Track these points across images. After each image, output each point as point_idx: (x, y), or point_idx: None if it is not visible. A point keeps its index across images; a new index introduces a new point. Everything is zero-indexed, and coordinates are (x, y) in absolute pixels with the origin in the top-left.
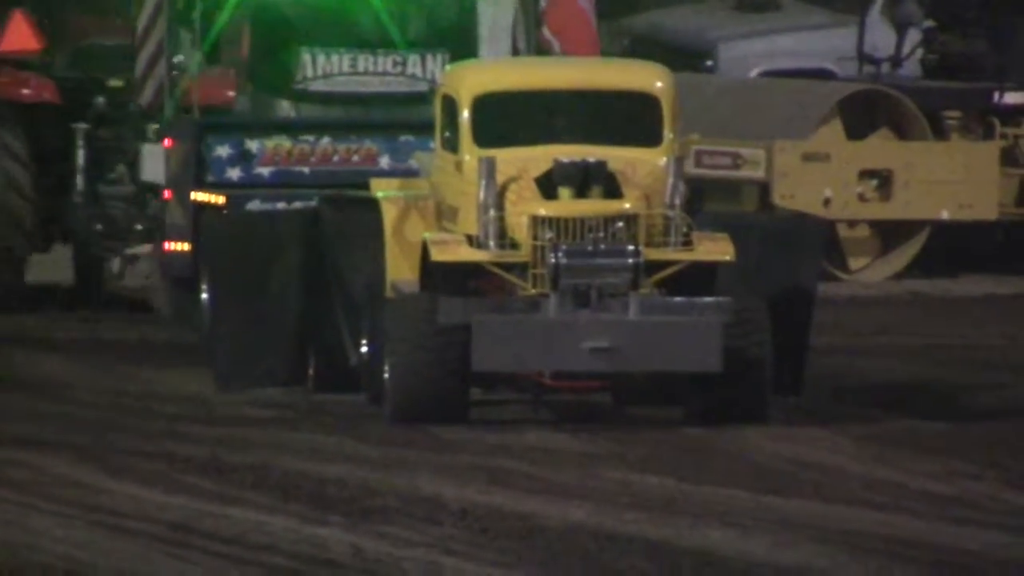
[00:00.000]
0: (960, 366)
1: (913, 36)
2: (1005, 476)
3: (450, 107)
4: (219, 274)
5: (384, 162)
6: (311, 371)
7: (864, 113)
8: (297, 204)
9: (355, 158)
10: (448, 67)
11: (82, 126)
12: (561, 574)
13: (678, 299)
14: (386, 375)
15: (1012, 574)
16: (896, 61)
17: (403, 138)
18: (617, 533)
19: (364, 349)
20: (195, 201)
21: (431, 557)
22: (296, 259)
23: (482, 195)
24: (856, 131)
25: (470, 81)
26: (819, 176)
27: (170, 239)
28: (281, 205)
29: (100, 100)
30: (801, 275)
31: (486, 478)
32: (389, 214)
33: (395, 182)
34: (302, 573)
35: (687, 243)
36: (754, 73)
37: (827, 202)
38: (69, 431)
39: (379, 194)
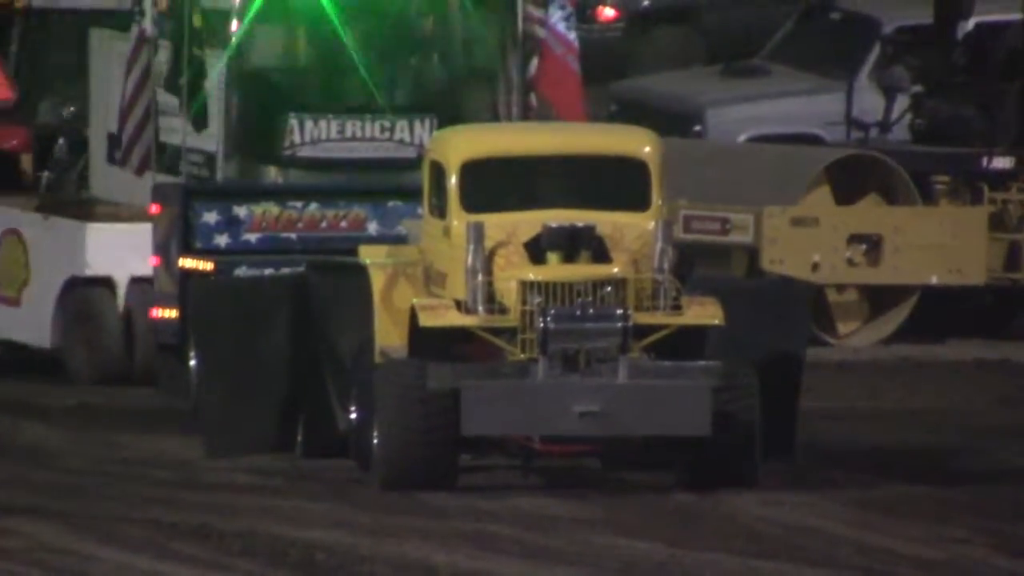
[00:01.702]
0: (949, 431)
1: (901, 101)
2: (995, 541)
3: (437, 172)
4: (206, 341)
5: (372, 228)
6: (300, 437)
7: (853, 178)
8: (285, 270)
9: (343, 224)
10: (435, 133)
11: (46, 174)
12: None
13: (667, 363)
14: (375, 441)
15: None
16: (884, 126)
17: (391, 204)
18: None
19: (353, 416)
20: (183, 268)
21: None
22: (283, 325)
23: (470, 260)
24: (845, 196)
25: (457, 146)
26: (808, 241)
27: (158, 306)
28: (269, 271)
29: (60, 143)
30: (789, 339)
31: (475, 543)
32: (377, 281)
33: (383, 249)
34: None
35: (676, 307)
36: (742, 138)
37: (815, 267)
38: (57, 498)
39: (367, 261)
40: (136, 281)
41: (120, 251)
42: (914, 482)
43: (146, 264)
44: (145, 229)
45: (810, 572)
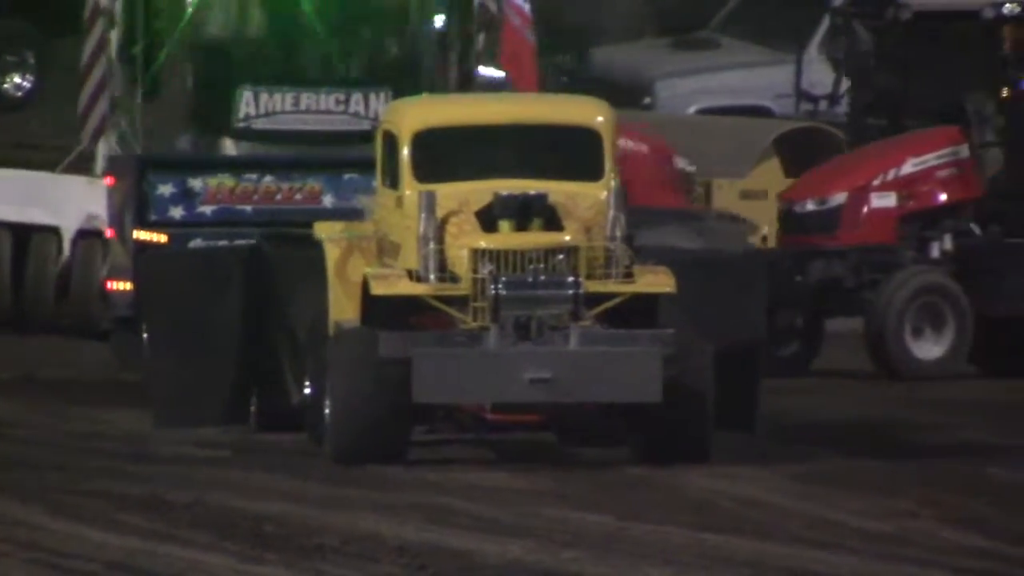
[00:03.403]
0: (907, 405)
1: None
2: (941, 513)
3: (390, 143)
4: (156, 311)
5: (328, 200)
6: (253, 410)
7: (801, 151)
8: (238, 242)
9: (298, 196)
10: (389, 103)
11: None
12: None
13: (618, 331)
14: (327, 411)
15: None
16: (833, 98)
17: (347, 176)
18: (555, 571)
19: (308, 390)
20: (137, 240)
21: None
22: (235, 297)
23: (422, 228)
24: (794, 169)
25: (410, 117)
26: (757, 213)
27: (112, 278)
28: (223, 243)
29: None
30: (747, 310)
31: (425, 516)
32: (332, 255)
33: (338, 225)
34: None
35: (628, 275)
36: (692, 110)
37: (764, 239)
38: (7, 469)
39: (322, 236)
40: None
41: None
42: (865, 456)
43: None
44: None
45: (758, 545)
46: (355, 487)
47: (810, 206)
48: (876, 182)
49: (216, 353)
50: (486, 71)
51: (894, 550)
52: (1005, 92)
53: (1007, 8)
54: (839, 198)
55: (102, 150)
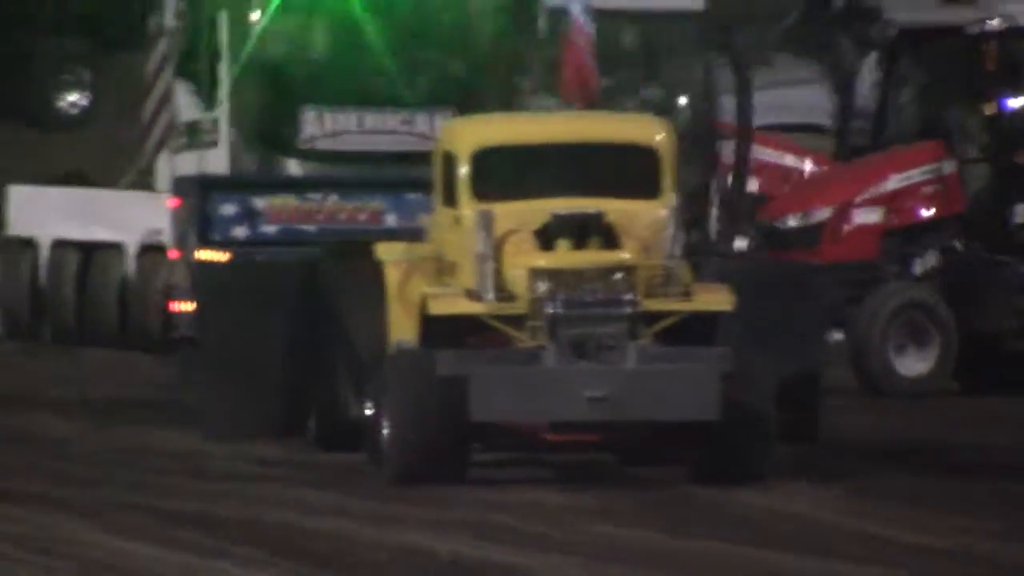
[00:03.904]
0: (963, 422)
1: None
2: (999, 530)
3: (448, 162)
4: (212, 324)
5: (391, 220)
6: (311, 425)
7: None
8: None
9: (362, 216)
10: (446, 122)
11: None
12: None
13: (676, 349)
14: (385, 430)
15: None
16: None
17: (410, 196)
18: None
19: (368, 411)
20: (199, 259)
21: None
22: (291, 310)
23: (480, 247)
24: None
25: (467, 136)
26: None
27: (176, 299)
28: (281, 257)
29: None
30: (806, 324)
31: (475, 532)
32: (392, 276)
33: (399, 245)
34: None
35: (686, 294)
36: None
37: None
38: (61, 486)
39: (382, 256)
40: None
41: None
42: (918, 472)
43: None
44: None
45: (810, 562)
46: (406, 504)
47: (792, 222)
48: (859, 198)
49: (269, 365)
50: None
51: (950, 567)
52: (988, 108)
53: (990, 25)
54: (822, 214)
55: (163, 166)
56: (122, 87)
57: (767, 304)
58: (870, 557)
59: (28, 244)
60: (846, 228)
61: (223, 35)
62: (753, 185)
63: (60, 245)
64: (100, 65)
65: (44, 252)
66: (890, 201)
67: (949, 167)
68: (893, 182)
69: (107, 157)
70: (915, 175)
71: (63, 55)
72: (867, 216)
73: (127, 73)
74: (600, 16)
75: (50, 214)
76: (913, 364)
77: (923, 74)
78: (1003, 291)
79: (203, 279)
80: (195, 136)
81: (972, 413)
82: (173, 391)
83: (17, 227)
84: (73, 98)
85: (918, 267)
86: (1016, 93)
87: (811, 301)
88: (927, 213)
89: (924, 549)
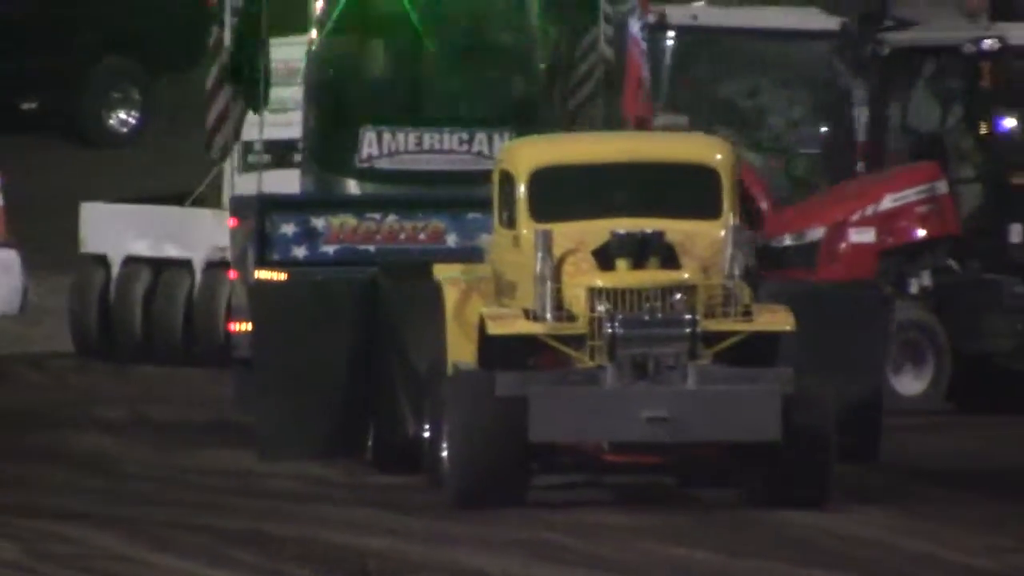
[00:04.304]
0: (991, 440)
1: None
2: None
3: (507, 182)
4: (268, 342)
5: (451, 240)
6: (370, 444)
7: None
8: (360, 275)
9: (422, 236)
10: (504, 143)
11: None
12: None
13: (736, 369)
14: (444, 451)
15: None
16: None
17: (470, 215)
18: None
19: (427, 433)
20: (258, 280)
21: None
22: (348, 328)
23: (539, 267)
24: None
25: (526, 156)
26: None
27: (235, 319)
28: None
29: None
30: (867, 345)
31: (529, 551)
32: (450, 297)
33: (457, 267)
34: None
35: (747, 314)
36: None
37: None
38: (113, 505)
39: (440, 277)
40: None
41: None
42: (968, 491)
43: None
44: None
45: None
46: (459, 522)
47: (788, 241)
48: (855, 217)
49: (327, 385)
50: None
51: None
52: (984, 127)
53: (986, 44)
54: (817, 233)
55: (228, 185)
56: (172, 105)
57: (829, 326)
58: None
59: (101, 261)
60: (841, 248)
61: (271, 55)
62: None
63: (131, 262)
64: (149, 84)
65: (116, 269)
66: (885, 221)
67: (943, 187)
68: (888, 202)
69: (158, 175)
70: (910, 195)
71: (113, 73)
72: (862, 236)
73: (176, 91)
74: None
75: (122, 231)
76: (910, 383)
77: (917, 93)
78: (998, 311)
79: (260, 299)
80: (253, 155)
81: (1015, 431)
82: (230, 411)
83: (92, 245)
84: (123, 116)
85: (913, 287)
86: (1011, 112)
87: (873, 323)
88: (922, 233)
89: (969, 569)
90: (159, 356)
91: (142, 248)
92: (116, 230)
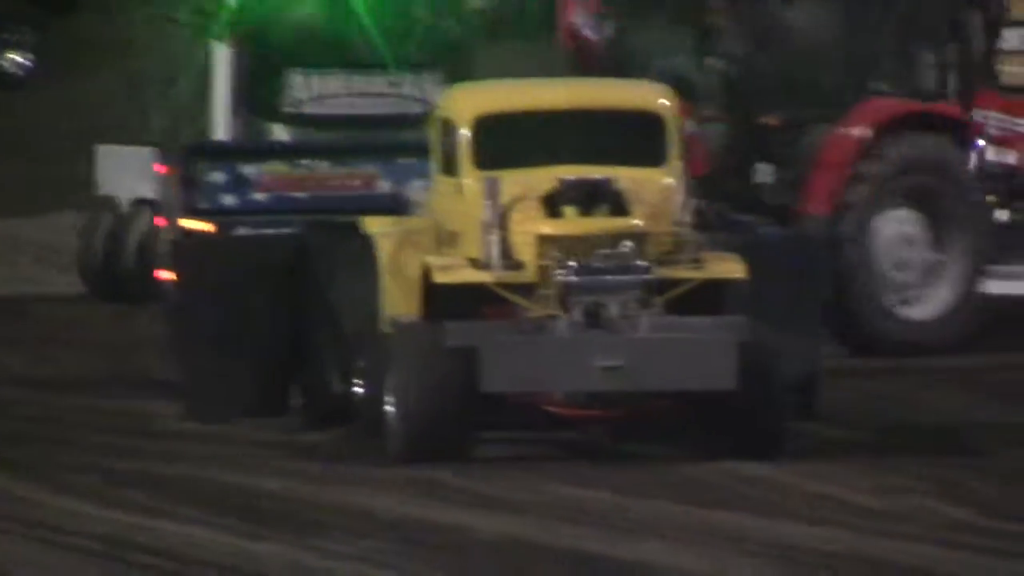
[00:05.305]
0: (889, 380)
1: None
2: (939, 490)
3: (448, 130)
4: (190, 297)
5: (384, 186)
6: (301, 404)
7: None
8: (284, 231)
9: (354, 182)
10: (445, 90)
11: None
12: None
13: (691, 318)
14: (390, 407)
15: None
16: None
17: (402, 161)
18: (551, 546)
19: (360, 390)
20: (184, 228)
21: (362, 570)
22: (274, 285)
23: (487, 216)
24: None
25: (469, 103)
26: None
27: (162, 267)
28: (265, 232)
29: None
30: (808, 294)
31: (422, 491)
32: (385, 249)
33: (388, 219)
34: None
35: (697, 261)
36: None
37: None
38: (9, 447)
39: (372, 230)
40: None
41: None
42: (861, 432)
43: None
44: None
45: (751, 521)
46: (350, 464)
47: None
48: None
49: (252, 345)
50: None
51: (890, 526)
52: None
53: None
54: None
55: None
56: (65, 48)
57: (770, 275)
58: (816, 517)
59: (110, 202)
60: None
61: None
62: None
63: (137, 204)
64: (43, 26)
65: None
66: None
67: (690, 126)
68: None
69: (55, 118)
70: None
71: (5, 14)
72: None
73: (71, 34)
74: None
75: (128, 174)
76: None
77: (662, 32)
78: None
79: (184, 255)
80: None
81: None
82: (133, 355)
83: (104, 187)
84: (17, 58)
85: None
86: (756, 51)
87: (814, 273)
88: None
89: (866, 510)
90: (122, 295)
91: (147, 191)
92: (122, 173)
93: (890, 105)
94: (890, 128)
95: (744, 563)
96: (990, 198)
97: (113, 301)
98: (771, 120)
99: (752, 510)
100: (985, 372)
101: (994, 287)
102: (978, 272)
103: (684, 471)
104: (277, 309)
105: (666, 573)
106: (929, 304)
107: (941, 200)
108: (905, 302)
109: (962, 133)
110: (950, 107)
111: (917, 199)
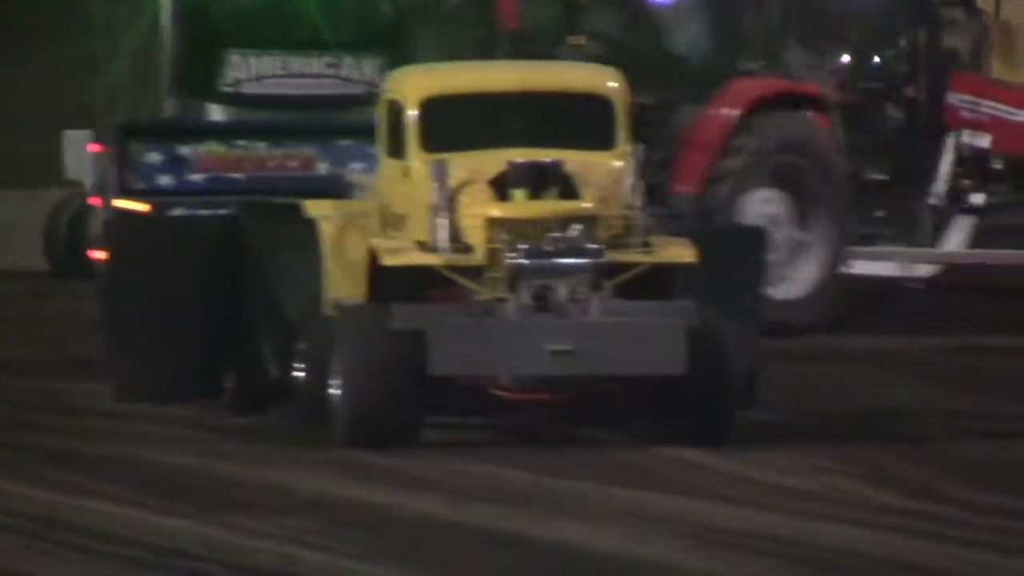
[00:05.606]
0: (811, 360)
1: None
2: (861, 471)
3: (395, 112)
4: (119, 280)
5: (323, 168)
6: (229, 388)
7: None
8: (221, 212)
9: (293, 163)
10: (392, 72)
11: None
12: (409, 565)
13: (641, 303)
14: (336, 390)
15: (865, 570)
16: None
17: (341, 143)
18: (469, 525)
19: (298, 372)
20: (118, 209)
21: (281, 548)
22: (206, 269)
23: (434, 198)
24: None
25: (416, 85)
26: None
27: (96, 248)
28: (199, 213)
29: None
30: (746, 285)
31: (340, 470)
32: (327, 232)
33: (329, 203)
34: (154, 565)
35: (647, 245)
36: None
37: None
38: None
39: (315, 213)
40: None
41: None
42: (785, 413)
43: None
44: None
45: (673, 500)
46: (271, 442)
47: None
48: None
49: (184, 327)
50: None
51: (813, 507)
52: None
53: None
54: None
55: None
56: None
57: (714, 261)
58: (738, 498)
59: (75, 187)
60: None
61: None
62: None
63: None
64: None
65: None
66: None
67: None
68: None
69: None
70: None
71: None
72: None
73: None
74: None
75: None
76: None
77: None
78: None
79: (115, 234)
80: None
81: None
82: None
83: (71, 172)
84: None
85: None
86: None
87: (755, 260)
88: None
89: (789, 491)
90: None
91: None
92: (87, 157)
93: (757, 85)
94: (757, 108)
95: (666, 543)
96: (965, 182)
97: (76, 280)
98: (641, 100)
99: (680, 491)
100: (916, 355)
101: (859, 267)
102: (843, 252)
103: (617, 455)
104: (209, 290)
105: (587, 555)
106: (794, 284)
107: (806, 179)
108: (770, 282)
109: (829, 112)
110: (812, 86)
111: (783, 179)
